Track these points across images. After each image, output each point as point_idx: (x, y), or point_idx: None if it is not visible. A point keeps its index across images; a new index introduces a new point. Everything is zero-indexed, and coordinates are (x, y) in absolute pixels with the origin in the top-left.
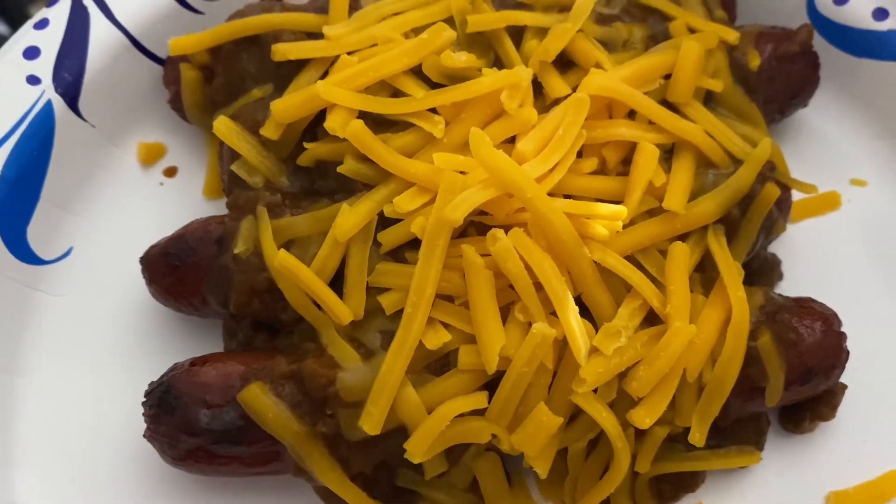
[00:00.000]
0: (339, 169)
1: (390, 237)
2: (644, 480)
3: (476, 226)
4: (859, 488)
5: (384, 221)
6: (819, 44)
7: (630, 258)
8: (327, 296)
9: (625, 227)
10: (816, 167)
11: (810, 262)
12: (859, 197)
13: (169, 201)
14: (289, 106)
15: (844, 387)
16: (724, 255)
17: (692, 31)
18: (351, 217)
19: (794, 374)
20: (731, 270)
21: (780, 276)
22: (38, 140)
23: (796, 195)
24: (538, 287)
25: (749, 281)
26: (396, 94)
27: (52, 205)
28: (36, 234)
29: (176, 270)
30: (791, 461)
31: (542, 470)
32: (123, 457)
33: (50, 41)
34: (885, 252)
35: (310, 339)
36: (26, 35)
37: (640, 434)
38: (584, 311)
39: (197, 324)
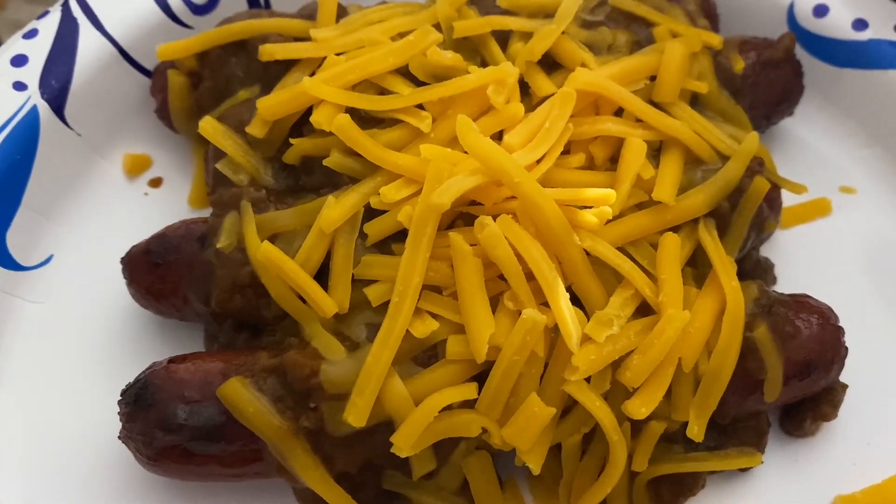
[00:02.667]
0: (325, 162)
1: (377, 228)
2: (642, 483)
3: (464, 217)
4: (867, 492)
5: (370, 215)
6: (801, 55)
7: (621, 251)
8: (311, 288)
9: (614, 219)
10: (805, 176)
11: (803, 267)
12: (849, 204)
13: (153, 211)
14: (275, 103)
15: (845, 386)
16: (715, 246)
17: (676, 36)
18: (337, 208)
19: (793, 367)
20: (723, 262)
21: (773, 280)
22: (21, 144)
23: (788, 201)
24: (528, 277)
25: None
26: (383, 93)
27: (34, 211)
28: (16, 240)
29: (157, 268)
30: (794, 466)
31: (535, 465)
32: (100, 463)
33: (38, 50)
34: (877, 257)
35: (293, 335)
36: (14, 44)
37: (636, 432)
38: (575, 303)
39: (178, 329)
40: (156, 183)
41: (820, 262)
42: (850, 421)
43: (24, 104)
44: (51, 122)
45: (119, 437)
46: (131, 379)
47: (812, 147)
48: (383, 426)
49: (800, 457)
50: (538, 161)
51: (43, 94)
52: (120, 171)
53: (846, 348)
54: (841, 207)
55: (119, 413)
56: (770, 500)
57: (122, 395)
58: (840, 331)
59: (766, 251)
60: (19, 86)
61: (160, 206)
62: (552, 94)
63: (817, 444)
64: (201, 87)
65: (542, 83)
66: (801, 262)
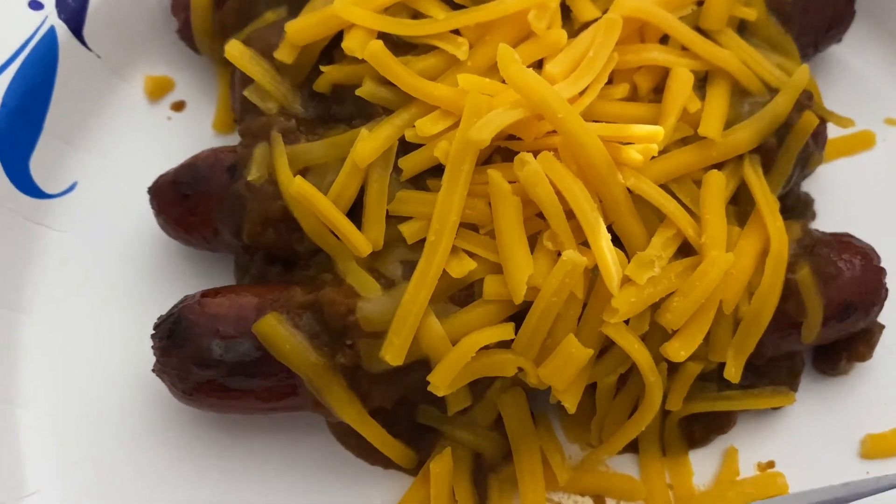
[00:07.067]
0: (358, 92)
1: (412, 163)
2: (674, 421)
3: (502, 153)
4: None
5: (405, 148)
6: None
7: (663, 189)
8: (345, 226)
9: (658, 154)
10: (850, 105)
11: (844, 202)
12: (894, 136)
13: (177, 136)
14: (304, 26)
15: (882, 326)
16: (760, 184)
17: None
18: (370, 141)
19: (833, 309)
20: (768, 201)
21: (813, 215)
22: (40, 68)
23: (830, 133)
24: (568, 216)
25: (783, 218)
26: (417, 16)
27: (56, 137)
28: (39, 167)
29: (186, 200)
30: (826, 404)
31: (571, 404)
32: (131, 394)
33: None
34: None
35: (327, 270)
36: None
37: (671, 371)
38: (616, 242)
39: (207, 259)
40: (178, 106)
41: (861, 197)
42: (884, 361)
43: (42, 24)
44: (69, 43)
45: (153, 371)
46: (161, 310)
47: (857, 75)
48: (419, 363)
49: (831, 395)
50: (581, 93)
51: (60, 14)
52: (141, 95)
53: (887, 290)
54: (885, 139)
55: (153, 347)
56: (801, 438)
57: (154, 328)
58: (882, 272)
59: (807, 185)
60: (35, 5)
61: (184, 130)
62: (595, 20)
63: (850, 382)
64: (225, 6)
65: (584, 7)
66: (841, 196)
